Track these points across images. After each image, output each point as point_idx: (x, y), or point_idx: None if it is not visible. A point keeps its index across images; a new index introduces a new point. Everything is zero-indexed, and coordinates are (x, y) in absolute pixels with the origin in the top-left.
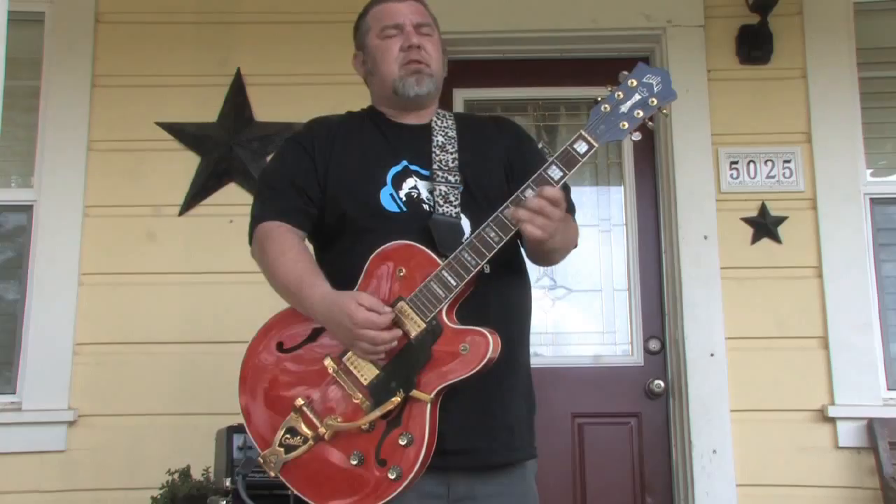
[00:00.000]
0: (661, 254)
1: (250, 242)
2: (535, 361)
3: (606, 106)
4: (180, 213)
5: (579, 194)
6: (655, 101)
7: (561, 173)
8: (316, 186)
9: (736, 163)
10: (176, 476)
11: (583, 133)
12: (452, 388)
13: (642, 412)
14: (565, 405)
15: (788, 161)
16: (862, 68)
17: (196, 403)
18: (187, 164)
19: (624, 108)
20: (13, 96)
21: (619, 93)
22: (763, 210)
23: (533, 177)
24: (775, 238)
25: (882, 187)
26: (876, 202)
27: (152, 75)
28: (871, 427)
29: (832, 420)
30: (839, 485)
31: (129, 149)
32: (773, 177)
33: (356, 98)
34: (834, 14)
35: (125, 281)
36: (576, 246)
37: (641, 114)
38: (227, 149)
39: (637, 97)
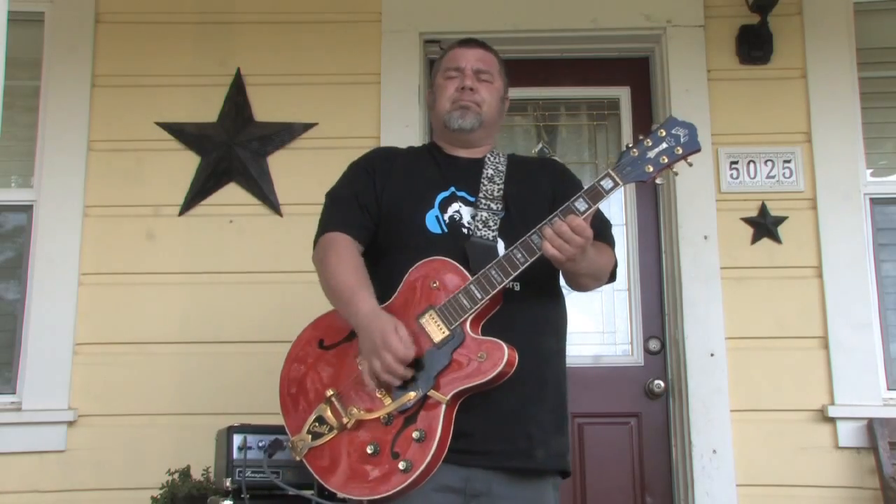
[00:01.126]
0: (661, 254)
1: (314, 247)
2: None
3: (635, 150)
4: (180, 213)
5: None
6: (681, 151)
7: (586, 206)
8: (375, 204)
9: (736, 163)
10: (176, 476)
11: (610, 172)
12: (483, 395)
13: (642, 412)
14: None
15: (788, 161)
16: (862, 68)
17: (196, 403)
18: (187, 164)
19: (651, 154)
20: (13, 96)
21: (648, 140)
22: (763, 210)
23: (561, 207)
24: (775, 238)
25: (882, 187)
26: (876, 202)
27: (152, 75)
28: (871, 427)
29: (832, 420)
30: (839, 485)
31: (129, 149)
32: (773, 177)
33: (357, 98)
34: (834, 14)
35: (125, 281)
36: (612, 278)
37: (666, 160)
38: (227, 149)
39: (664, 145)
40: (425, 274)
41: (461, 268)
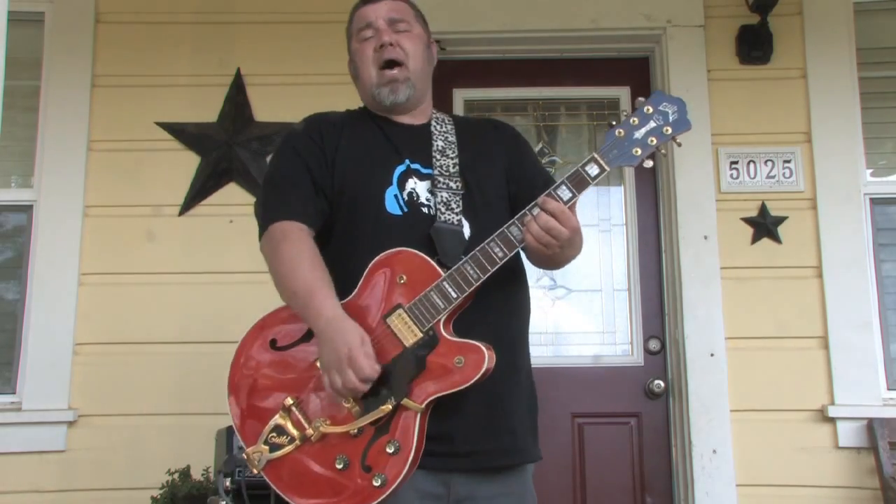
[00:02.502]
0: (661, 254)
1: (261, 237)
2: (535, 361)
3: (621, 131)
4: (180, 213)
5: None
6: (670, 130)
7: (570, 194)
8: (329, 180)
9: (736, 163)
10: (176, 476)
11: (595, 156)
12: (459, 393)
13: (642, 412)
14: (565, 405)
15: (788, 161)
16: (862, 68)
17: (196, 403)
18: (187, 164)
19: (638, 135)
20: (13, 96)
21: (635, 118)
22: (763, 210)
23: (542, 195)
24: (775, 238)
25: (882, 187)
26: (876, 202)
27: (152, 75)
28: (871, 427)
29: (832, 420)
30: (839, 485)
31: (129, 149)
32: (773, 177)
33: (357, 98)
34: (834, 14)
35: (125, 281)
36: (580, 252)
37: (655, 141)
38: (227, 149)
39: (652, 124)
40: (391, 267)
41: (431, 261)
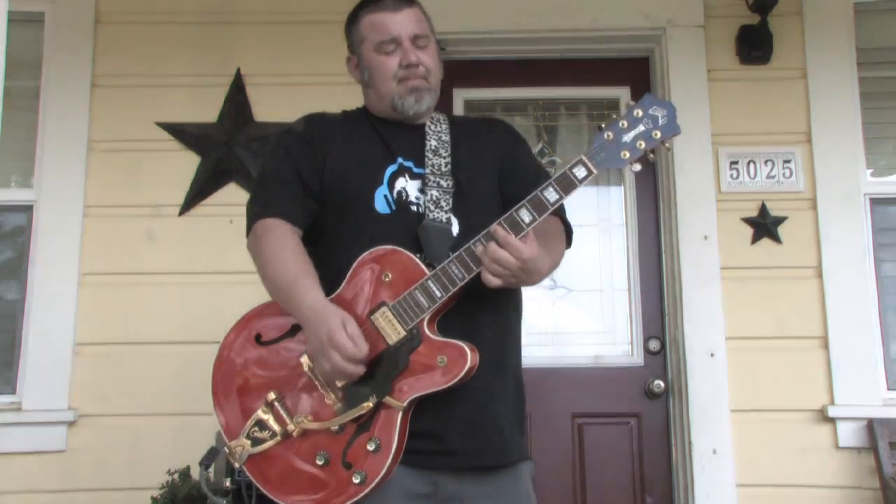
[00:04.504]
0: (661, 254)
1: (247, 235)
2: (535, 361)
3: (609, 134)
4: (180, 213)
5: (579, 194)
6: (659, 134)
7: (557, 196)
8: (318, 180)
9: (736, 163)
10: (176, 476)
11: (583, 158)
12: (446, 391)
13: (642, 412)
14: (565, 405)
15: (788, 161)
16: (862, 68)
17: (196, 403)
18: (187, 164)
19: (627, 138)
20: (13, 96)
21: (624, 122)
22: (763, 210)
23: (528, 197)
24: (775, 238)
25: (882, 187)
26: (876, 202)
27: (152, 75)
28: (871, 427)
29: (832, 420)
30: (839, 485)
31: (129, 149)
32: (773, 177)
33: (356, 98)
34: (834, 14)
35: (125, 281)
36: (558, 264)
37: (644, 145)
38: (227, 149)
39: (641, 128)
40: (376, 264)
41: (417, 260)
